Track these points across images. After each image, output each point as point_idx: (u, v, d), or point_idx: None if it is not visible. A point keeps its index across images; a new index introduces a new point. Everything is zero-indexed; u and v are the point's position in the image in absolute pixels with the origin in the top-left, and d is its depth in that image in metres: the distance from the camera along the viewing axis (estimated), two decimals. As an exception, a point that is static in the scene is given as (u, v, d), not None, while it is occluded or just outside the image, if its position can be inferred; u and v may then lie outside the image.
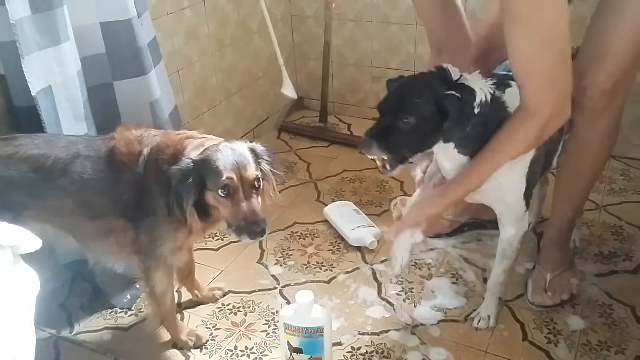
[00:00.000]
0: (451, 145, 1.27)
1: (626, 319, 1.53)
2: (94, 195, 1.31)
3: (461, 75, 1.26)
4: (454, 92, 1.20)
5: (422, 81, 1.26)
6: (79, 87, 1.49)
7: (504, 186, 1.33)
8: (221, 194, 1.25)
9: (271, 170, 1.34)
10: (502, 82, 1.30)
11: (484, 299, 1.56)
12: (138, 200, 1.30)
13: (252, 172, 1.26)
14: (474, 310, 1.58)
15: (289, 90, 2.38)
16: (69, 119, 1.47)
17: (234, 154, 1.26)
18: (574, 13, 1.13)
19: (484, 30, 1.59)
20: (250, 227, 1.26)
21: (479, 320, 1.54)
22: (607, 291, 1.63)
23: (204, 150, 1.27)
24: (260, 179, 1.29)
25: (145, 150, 1.29)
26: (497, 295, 1.54)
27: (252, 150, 1.31)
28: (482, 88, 1.23)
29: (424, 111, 1.20)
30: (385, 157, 1.25)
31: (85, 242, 1.39)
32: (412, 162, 1.34)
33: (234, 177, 1.24)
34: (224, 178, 1.23)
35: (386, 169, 1.27)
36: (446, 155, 1.31)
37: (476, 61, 1.61)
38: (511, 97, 1.27)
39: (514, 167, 1.30)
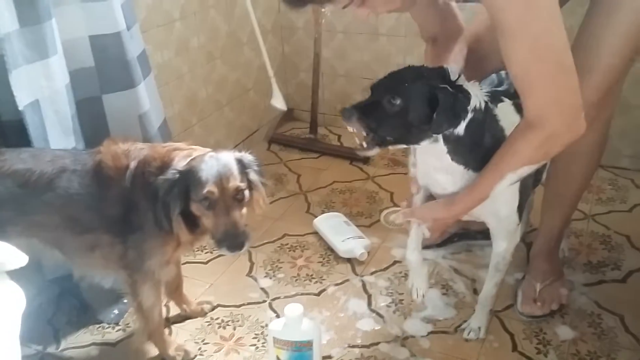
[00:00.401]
0: (444, 149, 1.23)
1: (615, 329, 1.54)
2: (81, 210, 1.30)
3: (459, 77, 1.24)
4: (448, 87, 1.18)
5: (419, 70, 1.24)
6: (67, 101, 1.48)
7: (498, 200, 1.32)
8: (203, 205, 1.25)
9: (260, 180, 1.34)
10: (495, 97, 1.30)
11: (474, 310, 1.56)
12: (125, 215, 1.29)
13: (234, 183, 1.26)
14: (464, 321, 1.58)
15: (278, 102, 2.39)
16: (56, 133, 1.46)
17: (218, 165, 1.25)
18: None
19: (469, 42, 1.60)
20: (230, 240, 1.25)
21: (469, 332, 1.54)
22: (596, 301, 1.63)
23: (190, 160, 1.27)
24: (245, 190, 1.29)
25: (132, 164, 1.28)
26: (488, 308, 1.54)
27: (239, 161, 1.30)
28: (477, 95, 1.23)
29: (414, 97, 1.18)
30: (365, 134, 1.22)
31: (71, 257, 1.38)
32: (390, 148, 1.29)
33: (215, 188, 1.24)
34: (205, 190, 1.23)
35: (362, 147, 1.24)
36: (441, 165, 1.28)
37: (465, 69, 1.62)
38: (503, 112, 1.28)
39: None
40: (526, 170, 1.23)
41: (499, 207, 1.35)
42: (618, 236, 1.90)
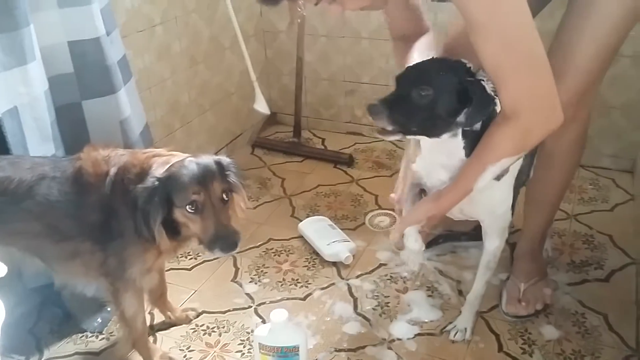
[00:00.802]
0: (460, 144, 1.22)
1: (599, 327, 1.55)
2: (61, 217, 1.28)
3: (478, 71, 1.23)
4: (479, 80, 1.16)
5: (447, 62, 1.21)
6: (47, 108, 1.46)
7: (495, 198, 1.33)
8: (189, 210, 1.24)
9: (240, 182, 1.33)
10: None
11: (460, 311, 1.56)
12: (105, 222, 1.28)
13: (219, 185, 1.26)
14: (450, 323, 1.58)
15: (261, 106, 2.38)
16: (36, 140, 1.44)
17: (199, 169, 1.24)
18: (542, 29, 1.13)
19: (447, 43, 1.61)
20: (222, 241, 1.24)
21: (456, 333, 1.54)
22: (580, 300, 1.65)
23: (169, 167, 1.25)
24: (229, 192, 1.28)
25: (112, 171, 1.27)
26: (476, 308, 1.55)
27: (218, 164, 1.30)
28: (491, 89, 1.21)
29: (445, 87, 1.14)
30: (390, 129, 1.18)
31: (52, 265, 1.36)
32: (410, 138, 1.27)
33: (201, 192, 1.23)
34: (190, 194, 1.22)
35: (385, 132, 1.18)
36: (449, 162, 1.26)
37: None
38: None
39: (504, 179, 1.29)
40: (506, 162, 1.23)
41: (496, 204, 1.35)
42: (600, 235, 1.92)
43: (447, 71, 1.17)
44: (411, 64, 1.22)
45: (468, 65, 1.21)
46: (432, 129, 1.20)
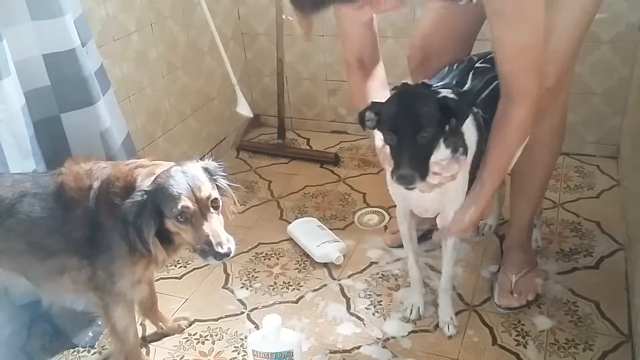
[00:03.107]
0: (442, 144, 1.27)
1: (591, 315, 1.56)
2: (45, 234, 1.26)
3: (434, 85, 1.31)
4: (446, 95, 1.24)
5: (421, 93, 1.26)
6: (25, 123, 1.43)
7: (459, 190, 1.36)
8: (179, 220, 1.23)
9: (229, 185, 1.32)
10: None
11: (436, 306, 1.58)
12: (91, 236, 1.26)
13: (207, 192, 1.24)
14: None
15: (244, 109, 2.37)
16: (15, 156, 1.42)
17: (186, 177, 1.23)
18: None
19: (418, 42, 1.61)
20: (215, 249, 1.23)
21: (447, 327, 1.55)
22: (571, 288, 1.65)
23: (156, 178, 1.24)
24: (218, 197, 1.27)
25: (96, 184, 1.25)
26: (450, 292, 1.56)
27: (206, 169, 1.29)
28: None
29: (436, 118, 1.20)
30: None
31: (38, 282, 1.34)
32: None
33: (189, 201, 1.22)
34: (179, 205, 1.21)
35: (413, 183, 1.21)
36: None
37: (414, 72, 1.63)
38: None
39: (463, 171, 1.32)
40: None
41: (460, 194, 1.37)
42: (588, 223, 1.93)
43: (428, 103, 1.21)
44: (394, 108, 1.22)
45: (429, 84, 1.30)
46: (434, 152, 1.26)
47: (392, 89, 1.27)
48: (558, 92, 1.41)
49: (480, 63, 1.45)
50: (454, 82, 1.41)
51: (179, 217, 1.22)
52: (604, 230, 1.88)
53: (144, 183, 1.23)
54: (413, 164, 1.18)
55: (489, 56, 1.45)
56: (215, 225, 1.25)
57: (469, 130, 1.32)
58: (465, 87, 1.39)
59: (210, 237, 1.23)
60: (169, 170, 1.25)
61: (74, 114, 1.56)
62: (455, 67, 1.47)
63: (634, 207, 1.76)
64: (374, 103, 1.26)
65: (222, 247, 1.23)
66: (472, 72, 1.43)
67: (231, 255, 1.25)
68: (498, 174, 1.35)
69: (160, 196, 1.21)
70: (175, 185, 1.21)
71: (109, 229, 1.25)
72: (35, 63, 1.49)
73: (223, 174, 1.32)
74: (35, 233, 1.26)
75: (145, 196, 1.21)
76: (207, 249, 1.23)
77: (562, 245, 1.83)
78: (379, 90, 1.41)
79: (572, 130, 2.28)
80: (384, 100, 1.25)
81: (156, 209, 1.22)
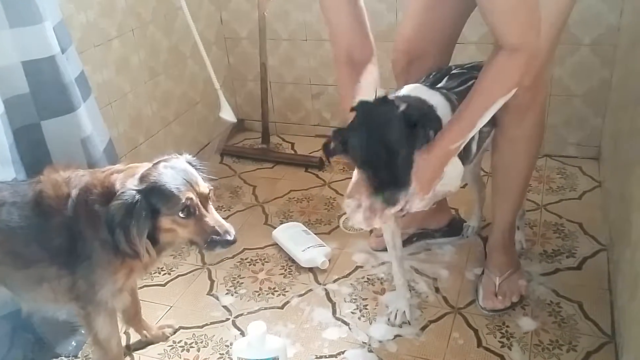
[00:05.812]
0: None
1: (575, 316, 1.57)
2: (23, 243, 1.24)
3: (396, 90, 1.30)
4: (404, 109, 1.22)
5: (381, 112, 1.23)
6: (4, 131, 1.41)
7: (458, 167, 1.38)
8: (181, 216, 1.23)
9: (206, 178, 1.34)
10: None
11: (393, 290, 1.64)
12: (71, 245, 1.24)
13: (204, 185, 1.27)
14: (430, 321, 1.60)
15: (227, 114, 2.36)
16: (-6, 164, 1.40)
17: (180, 173, 1.24)
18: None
19: (401, 46, 1.61)
20: (224, 237, 1.25)
21: (395, 316, 1.60)
22: (554, 289, 1.66)
23: (143, 177, 1.23)
24: (212, 189, 1.30)
25: (74, 192, 1.23)
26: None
27: (189, 163, 1.31)
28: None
29: (404, 136, 1.20)
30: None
31: (18, 292, 1.32)
32: None
33: (192, 195, 1.23)
34: (183, 199, 1.21)
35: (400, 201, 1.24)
36: None
37: (399, 76, 1.63)
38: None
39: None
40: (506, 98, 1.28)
41: (459, 171, 1.39)
42: (570, 224, 1.94)
43: (394, 123, 1.20)
44: (362, 138, 1.22)
45: (391, 99, 1.26)
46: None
47: (350, 110, 1.25)
48: (536, 90, 1.42)
49: (456, 70, 1.48)
50: (428, 84, 1.42)
51: (181, 212, 1.22)
52: (586, 231, 1.90)
53: (127, 185, 1.22)
54: (393, 187, 1.21)
55: (466, 65, 1.48)
56: (216, 216, 1.28)
57: (445, 113, 1.34)
58: (439, 85, 1.42)
59: (216, 228, 1.25)
60: (156, 168, 1.24)
61: (55, 122, 1.54)
62: (432, 75, 1.48)
63: (615, 208, 1.78)
64: (335, 133, 1.26)
65: (229, 235, 1.26)
66: (447, 76, 1.45)
67: (236, 240, 1.28)
68: (467, 124, 1.28)
69: (156, 194, 1.21)
70: (170, 182, 1.22)
71: (88, 238, 1.23)
72: (14, 70, 1.47)
73: (202, 167, 1.34)
74: (14, 242, 1.24)
75: (137, 196, 1.19)
76: (213, 240, 1.25)
77: (545, 247, 1.84)
78: (369, 90, 1.36)
79: (554, 132, 2.30)
80: (345, 128, 1.25)
81: (151, 208, 1.21)
